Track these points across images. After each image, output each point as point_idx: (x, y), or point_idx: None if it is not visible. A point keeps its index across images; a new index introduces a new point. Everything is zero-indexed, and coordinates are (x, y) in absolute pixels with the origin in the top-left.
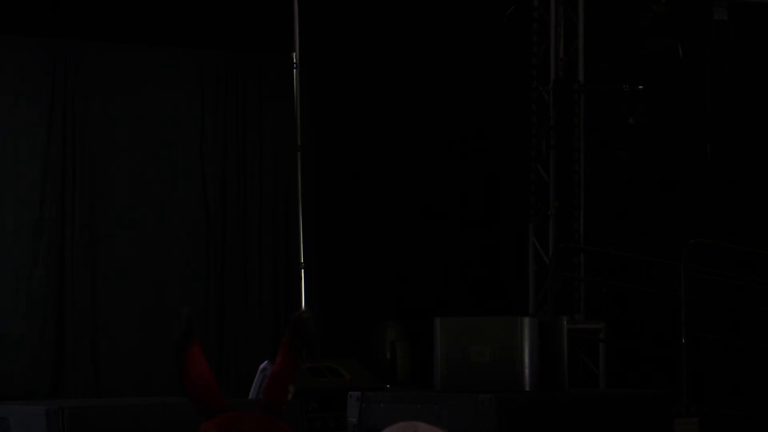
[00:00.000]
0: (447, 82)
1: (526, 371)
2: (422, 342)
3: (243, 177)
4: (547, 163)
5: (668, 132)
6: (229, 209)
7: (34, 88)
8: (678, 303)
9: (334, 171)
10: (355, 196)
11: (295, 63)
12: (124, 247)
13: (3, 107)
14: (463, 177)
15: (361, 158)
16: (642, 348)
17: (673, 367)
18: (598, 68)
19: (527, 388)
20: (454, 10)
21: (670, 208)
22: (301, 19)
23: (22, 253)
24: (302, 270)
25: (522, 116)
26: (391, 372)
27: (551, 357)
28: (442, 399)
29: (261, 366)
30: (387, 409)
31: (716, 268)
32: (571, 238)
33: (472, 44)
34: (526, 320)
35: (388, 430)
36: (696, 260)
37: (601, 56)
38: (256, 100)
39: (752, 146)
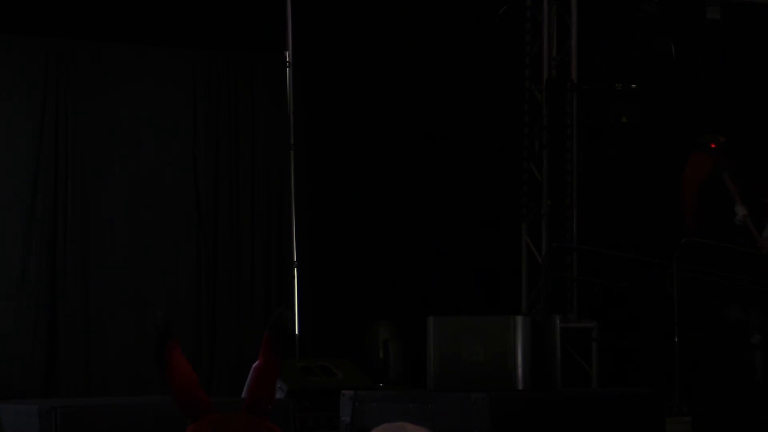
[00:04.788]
0: (440, 81)
1: (519, 370)
2: (415, 341)
3: (235, 176)
4: (540, 162)
5: (661, 131)
6: (222, 208)
7: (26, 87)
8: (670, 302)
9: (326, 170)
10: (348, 195)
11: (288, 62)
12: (116, 246)
13: None
14: (456, 176)
15: (353, 157)
16: (634, 347)
17: (666, 366)
18: (590, 67)
19: (520, 387)
20: (447, 10)
21: (663, 208)
22: (294, 19)
23: (14, 253)
24: (295, 269)
25: (515, 115)
26: (383, 371)
27: (544, 356)
28: (434, 398)
29: (254, 365)
30: (379, 408)
31: (708, 267)
32: (563, 237)
33: (465, 44)
34: (519, 319)
35: (378, 430)
36: (688, 260)
37: (594, 55)
38: (248, 100)
39: (745, 145)
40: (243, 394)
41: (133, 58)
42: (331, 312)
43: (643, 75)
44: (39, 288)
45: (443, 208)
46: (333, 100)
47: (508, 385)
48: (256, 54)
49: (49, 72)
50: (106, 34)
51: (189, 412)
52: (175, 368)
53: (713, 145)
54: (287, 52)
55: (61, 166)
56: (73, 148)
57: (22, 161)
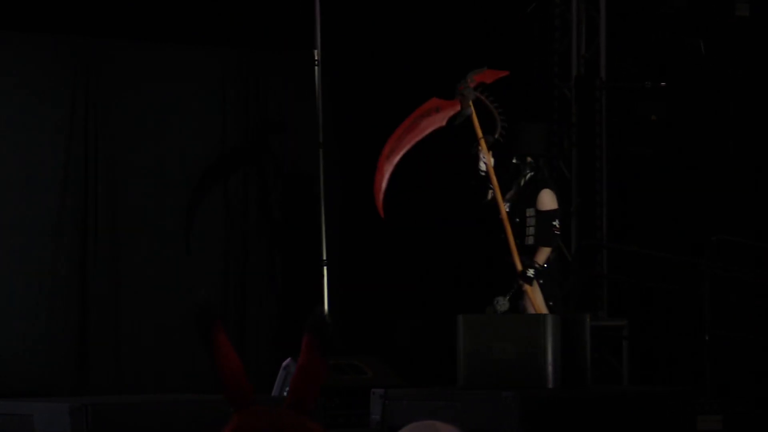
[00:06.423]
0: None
1: (549, 368)
2: (445, 339)
3: (264, 174)
4: (569, 160)
5: (690, 129)
6: (251, 207)
7: (55, 86)
8: (701, 300)
9: (355, 168)
10: None
11: (317, 60)
12: (146, 244)
13: (25, 105)
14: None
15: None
16: (665, 345)
17: (697, 364)
18: (619, 65)
19: (550, 386)
20: (475, 8)
21: (693, 206)
22: (322, 16)
23: (44, 252)
24: (324, 267)
25: (544, 113)
26: (413, 369)
27: (574, 354)
28: (464, 396)
29: (284, 363)
30: (409, 407)
31: (739, 265)
32: (593, 235)
33: (494, 42)
34: (549, 317)
35: (407, 429)
36: (718, 257)
37: (623, 53)
38: (277, 98)
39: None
40: (273, 393)
41: (162, 57)
42: (361, 310)
43: (672, 73)
44: (69, 285)
45: (472, 206)
46: (361, 98)
47: (537, 383)
48: (284, 52)
49: (78, 71)
50: (135, 33)
51: (235, 401)
52: (224, 351)
53: (461, 88)
54: (316, 50)
55: (91, 165)
56: (102, 146)
57: (51, 159)
